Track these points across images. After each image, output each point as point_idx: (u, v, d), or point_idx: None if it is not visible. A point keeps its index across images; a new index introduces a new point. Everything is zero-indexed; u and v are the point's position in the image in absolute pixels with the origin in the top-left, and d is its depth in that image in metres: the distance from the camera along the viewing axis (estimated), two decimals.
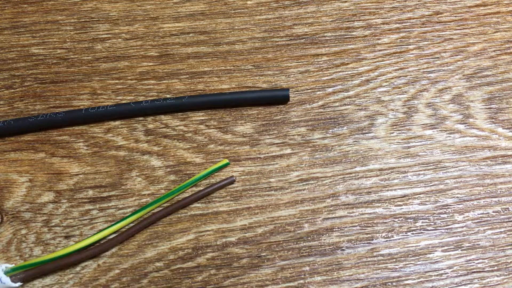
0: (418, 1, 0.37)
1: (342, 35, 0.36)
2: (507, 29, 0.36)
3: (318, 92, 0.34)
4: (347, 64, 0.35)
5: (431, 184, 0.31)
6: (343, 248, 0.29)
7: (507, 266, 0.29)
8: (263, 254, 0.29)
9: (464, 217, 0.30)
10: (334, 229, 0.30)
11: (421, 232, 0.29)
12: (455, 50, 0.36)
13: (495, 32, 0.36)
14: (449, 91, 0.34)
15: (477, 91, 0.34)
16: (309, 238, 0.29)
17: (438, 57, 0.35)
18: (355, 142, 0.32)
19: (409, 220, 0.30)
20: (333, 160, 0.32)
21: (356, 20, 0.37)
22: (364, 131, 0.33)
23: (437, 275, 0.28)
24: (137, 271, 0.28)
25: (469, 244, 0.29)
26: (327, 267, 0.28)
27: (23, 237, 0.29)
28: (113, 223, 0.29)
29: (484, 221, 0.30)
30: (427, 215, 0.30)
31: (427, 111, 0.33)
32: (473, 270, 0.28)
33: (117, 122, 0.33)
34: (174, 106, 0.33)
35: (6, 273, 0.27)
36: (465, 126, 0.33)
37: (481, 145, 0.32)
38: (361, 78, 0.35)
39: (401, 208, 0.30)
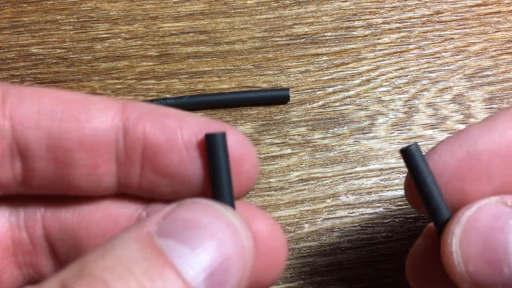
0: (419, 0, 0.37)
1: (342, 35, 0.36)
2: (508, 29, 0.36)
3: (319, 92, 0.34)
4: (348, 63, 0.35)
5: None
6: (343, 249, 0.29)
7: None
8: None
9: None
10: (335, 230, 0.29)
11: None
12: (455, 49, 0.35)
13: (496, 31, 0.36)
14: (449, 91, 0.34)
15: (478, 91, 0.34)
16: (309, 238, 0.29)
17: (438, 57, 0.35)
18: (355, 142, 0.32)
19: (409, 221, 0.30)
20: (334, 160, 0.32)
21: (357, 20, 0.37)
22: (364, 131, 0.33)
23: None
24: None
25: None
26: (327, 268, 0.28)
27: None
28: None
29: None
30: None
31: (428, 111, 0.33)
32: None
33: None
34: (174, 106, 0.33)
35: None
36: (466, 126, 0.33)
37: None
38: (361, 78, 0.34)
39: (401, 208, 0.30)
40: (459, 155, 0.18)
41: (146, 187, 0.16)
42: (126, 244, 0.13)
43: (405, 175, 0.31)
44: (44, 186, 0.16)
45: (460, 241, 0.16)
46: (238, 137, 0.16)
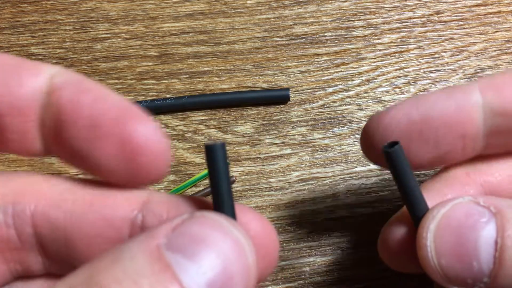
0: (419, 0, 0.37)
1: (342, 35, 0.36)
2: (508, 29, 0.36)
3: (319, 92, 0.34)
4: (348, 63, 0.35)
5: None
6: (343, 249, 0.29)
7: None
8: None
9: None
10: (335, 230, 0.29)
11: None
12: (455, 49, 0.35)
13: (495, 31, 0.36)
14: None
15: None
16: (309, 238, 0.29)
17: (438, 57, 0.35)
18: (355, 142, 0.32)
19: None
20: (334, 160, 0.32)
21: (357, 20, 0.37)
22: None
23: None
24: None
25: None
26: (327, 268, 0.28)
27: None
28: None
29: None
30: None
31: None
32: None
33: None
34: (174, 106, 0.33)
35: None
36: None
37: None
38: (361, 78, 0.34)
39: None
40: (413, 117, 0.19)
41: (68, 153, 0.17)
42: (134, 256, 0.13)
43: None
44: None
45: (434, 236, 0.17)
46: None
